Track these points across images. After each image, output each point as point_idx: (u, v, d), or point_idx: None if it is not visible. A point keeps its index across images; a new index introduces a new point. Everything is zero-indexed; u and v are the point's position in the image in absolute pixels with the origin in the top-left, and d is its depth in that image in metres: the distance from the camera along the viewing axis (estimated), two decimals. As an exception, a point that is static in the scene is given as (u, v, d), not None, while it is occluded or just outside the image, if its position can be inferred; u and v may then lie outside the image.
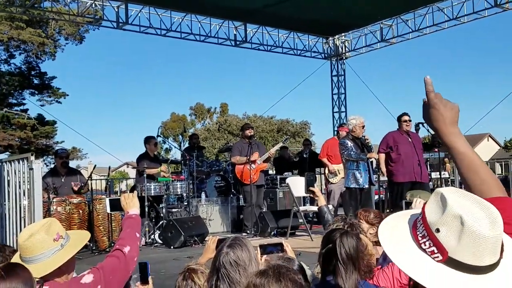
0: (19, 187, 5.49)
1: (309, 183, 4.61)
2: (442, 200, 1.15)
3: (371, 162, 8.63)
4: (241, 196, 10.13)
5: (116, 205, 3.10)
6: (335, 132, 10.06)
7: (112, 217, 8.00)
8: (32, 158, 5.31)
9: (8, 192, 5.69)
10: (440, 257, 1.14)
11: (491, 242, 1.09)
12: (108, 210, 7.54)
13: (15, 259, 2.40)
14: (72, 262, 2.42)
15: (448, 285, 1.12)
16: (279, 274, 1.85)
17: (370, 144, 8.42)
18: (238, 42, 15.00)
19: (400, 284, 2.81)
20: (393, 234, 1.24)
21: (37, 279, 2.08)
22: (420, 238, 1.18)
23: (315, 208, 9.58)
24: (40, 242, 2.32)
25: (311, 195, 4.71)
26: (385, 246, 1.23)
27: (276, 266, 1.93)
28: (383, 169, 8.52)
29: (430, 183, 10.70)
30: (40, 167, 5.30)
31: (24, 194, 5.43)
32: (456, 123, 1.44)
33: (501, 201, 1.30)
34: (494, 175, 1.43)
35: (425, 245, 1.17)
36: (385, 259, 3.61)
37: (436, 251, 1.14)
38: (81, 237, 2.58)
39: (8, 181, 5.74)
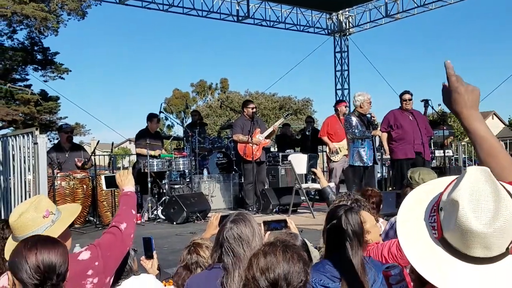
0: (24, 162, 5.51)
1: (311, 165, 4.67)
2: (459, 180, 1.13)
3: (374, 140, 8.61)
4: (242, 173, 10.17)
5: (111, 182, 3.10)
6: (334, 110, 9.99)
7: (116, 193, 8.05)
8: (37, 132, 5.32)
9: (13, 166, 5.72)
10: (437, 235, 1.15)
11: (480, 237, 1.06)
12: (104, 187, 7.54)
13: (9, 239, 2.42)
14: (65, 236, 2.43)
15: (431, 264, 1.12)
16: (286, 246, 1.96)
17: (376, 122, 8.37)
18: (240, 18, 14.88)
19: (386, 262, 2.82)
20: (416, 200, 1.24)
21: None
22: (432, 211, 1.18)
23: (317, 186, 9.62)
24: (31, 220, 2.34)
25: (314, 176, 4.77)
26: (400, 210, 1.24)
27: (283, 239, 2.05)
28: (386, 147, 8.50)
29: (434, 161, 10.70)
30: (44, 141, 5.32)
31: (29, 169, 5.46)
32: (477, 106, 1.44)
33: None
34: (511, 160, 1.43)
35: (431, 219, 1.18)
36: (387, 235, 3.64)
37: (435, 227, 1.15)
38: (72, 210, 2.59)
39: (13, 155, 5.76)
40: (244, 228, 2.46)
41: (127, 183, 2.89)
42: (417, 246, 1.16)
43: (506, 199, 1.09)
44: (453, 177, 1.22)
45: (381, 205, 4.14)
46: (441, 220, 1.13)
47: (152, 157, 9.03)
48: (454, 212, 1.09)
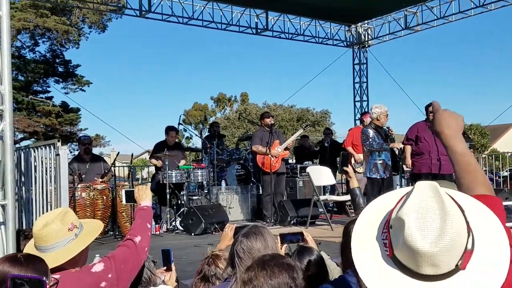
0: (46, 173, 5.59)
1: (344, 163, 4.55)
2: (408, 196, 1.14)
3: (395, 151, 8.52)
4: (260, 185, 10.17)
5: (131, 197, 3.15)
6: (360, 121, 9.91)
7: (135, 204, 8.11)
8: (59, 144, 5.39)
9: (35, 177, 5.79)
10: (388, 252, 1.15)
11: (427, 256, 1.07)
12: (124, 201, 7.53)
13: (29, 247, 2.43)
14: (85, 252, 2.45)
15: (384, 283, 1.13)
16: (263, 263, 1.90)
17: (393, 136, 8.30)
18: (259, 30, 14.95)
19: None
20: (373, 214, 1.26)
21: (52, 277, 2.12)
22: (384, 228, 1.19)
23: (335, 198, 9.60)
24: (55, 231, 2.34)
25: (345, 175, 4.58)
26: (355, 226, 1.25)
27: (259, 258, 1.98)
28: (408, 161, 8.41)
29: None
30: (66, 153, 5.39)
31: (50, 180, 5.52)
32: (460, 131, 1.55)
33: (487, 199, 1.31)
34: (486, 177, 1.51)
35: (383, 235, 1.19)
36: None
37: (387, 244, 1.16)
38: (95, 227, 2.61)
39: (35, 166, 5.84)
40: (255, 242, 2.44)
41: (144, 197, 2.95)
42: (370, 264, 1.16)
43: (452, 216, 1.09)
44: (405, 190, 1.24)
45: None
46: (391, 238, 1.14)
47: (157, 167, 9.23)
48: (401, 231, 1.10)
